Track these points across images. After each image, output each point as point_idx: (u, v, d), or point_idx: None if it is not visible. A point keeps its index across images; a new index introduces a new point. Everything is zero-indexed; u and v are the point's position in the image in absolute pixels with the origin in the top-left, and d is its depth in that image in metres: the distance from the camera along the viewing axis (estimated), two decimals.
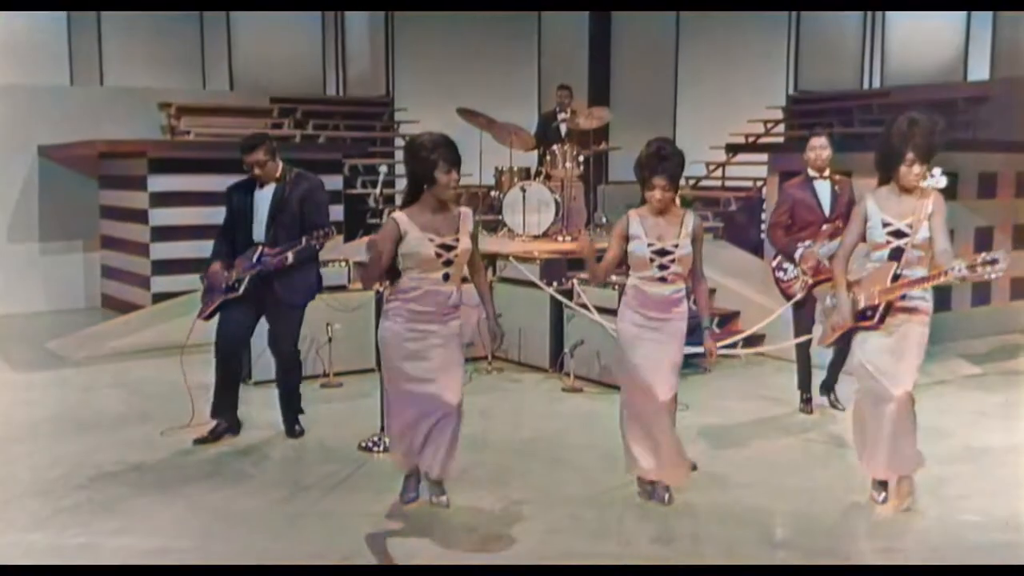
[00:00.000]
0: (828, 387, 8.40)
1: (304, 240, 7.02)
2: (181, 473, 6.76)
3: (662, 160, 5.95)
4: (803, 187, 8.11)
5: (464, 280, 6.07)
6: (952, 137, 12.15)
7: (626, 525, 5.93)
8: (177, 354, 7.71)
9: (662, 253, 5.99)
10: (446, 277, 5.82)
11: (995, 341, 11.19)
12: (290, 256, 7.05)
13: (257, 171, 7.20)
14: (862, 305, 6.07)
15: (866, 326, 6.05)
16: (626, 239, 6.06)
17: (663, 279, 6.00)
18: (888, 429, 5.98)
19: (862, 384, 6.14)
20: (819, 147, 8.03)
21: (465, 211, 5.99)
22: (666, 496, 6.20)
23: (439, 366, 5.86)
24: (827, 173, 8.06)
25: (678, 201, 6.31)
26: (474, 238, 5.98)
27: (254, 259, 7.12)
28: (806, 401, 8.35)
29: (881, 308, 5.97)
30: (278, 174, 7.27)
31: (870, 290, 6.02)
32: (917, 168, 5.89)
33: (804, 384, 8.37)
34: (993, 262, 5.52)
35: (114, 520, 5.93)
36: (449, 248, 5.80)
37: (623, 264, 6.28)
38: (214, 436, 7.38)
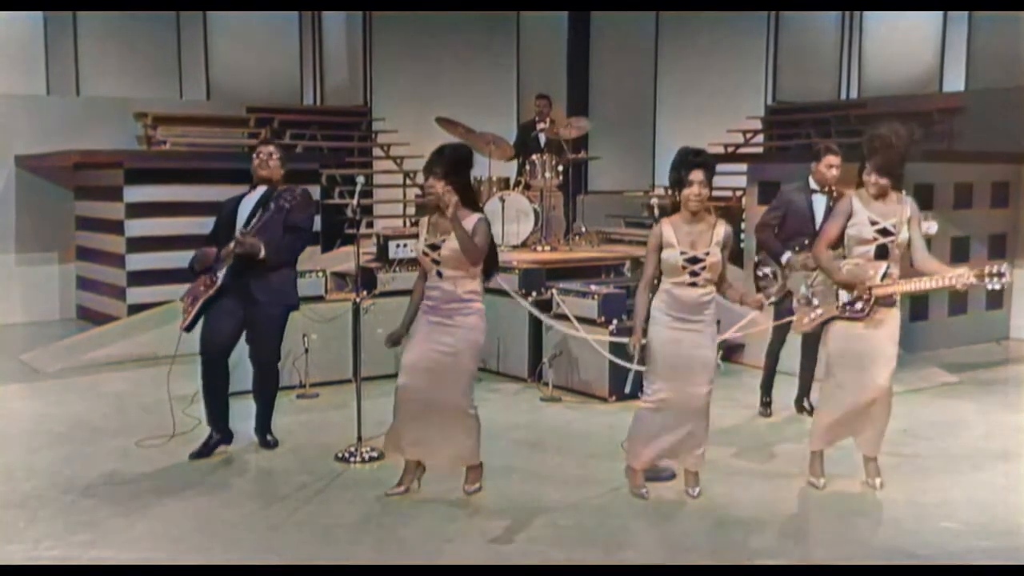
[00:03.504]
0: (801, 399, 8.40)
1: (271, 204, 7.05)
2: (156, 485, 6.70)
3: (697, 154, 6.24)
4: (802, 195, 8.08)
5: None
6: (928, 148, 12.30)
7: (606, 533, 5.91)
8: (152, 366, 7.67)
9: (694, 261, 6.17)
10: (439, 275, 6.25)
11: (971, 350, 11.26)
12: (263, 247, 7.04)
13: (264, 157, 7.32)
14: (850, 298, 6.36)
15: (855, 318, 6.36)
16: (662, 248, 6.23)
17: (694, 284, 6.19)
18: (866, 411, 6.45)
19: (838, 372, 6.44)
20: (836, 166, 7.97)
21: (471, 217, 6.26)
22: (696, 491, 6.47)
23: (450, 365, 6.23)
24: (826, 188, 8.02)
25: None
26: (473, 233, 6.18)
27: (231, 245, 7.07)
28: (766, 404, 8.44)
29: (872, 302, 6.29)
30: (275, 180, 7.32)
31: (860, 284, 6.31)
32: (874, 178, 6.29)
33: (767, 387, 8.45)
34: (1000, 275, 5.91)
35: (89, 532, 5.88)
36: (435, 248, 6.23)
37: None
38: (208, 449, 7.31)
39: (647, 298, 6.42)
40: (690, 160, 6.21)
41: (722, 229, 6.24)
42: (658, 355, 6.26)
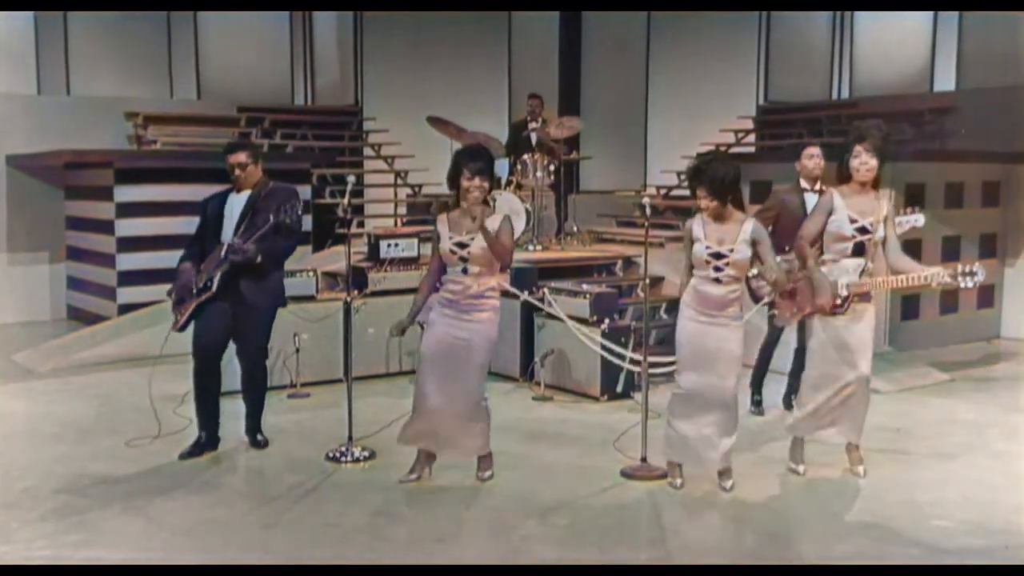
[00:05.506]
0: (789, 397, 8.42)
1: (271, 217, 6.94)
2: (148, 485, 6.68)
3: (698, 173, 6.41)
4: (794, 196, 8.12)
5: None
6: (919, 147, 12.32)
7: (599, 532, 5.91)
8: (144, 365, 7.65)
9: (718, 256, 6.37)
10: (464, 271, 6.49)
11: (963, 349, 11.29)
12: (259, 254, 7.00)
13: (238, 172, 7.19)
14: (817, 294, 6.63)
15: (834, 313, 6.61)
16: (693, 241, 6.45)
17: (717, 280, 6.38)
18: (846, 399, 6.67)
19: (820, 363, 6.68)
20: (817, 155, 8.11)
21: (495, 216, 6.60)
22: (729, 484, 6.57)
23: (464, 359, 6.50)
24: (819, 186, 8.07)
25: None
26: (499, 234, 6.49)
27: (223, 254, 7.06)
28: (757, 403, 8.43)
29: (850, 298, 6.54)
30: (256, 181, 7.25)
31: (838, 280, 6.55)
32: (864, 157, 6.48)
33: (757, 384, 8.47)
34: (972, 273, 6.18)
35: (81, 532, 5.86)
36: (463, 246, 6.45)
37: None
38: (198, 450, 7.28)
39: (687, 281, 6.62)
40: (692, 177, 6.43)
41: (749, 226, 6.41)
42: (684, 346, 6.49)
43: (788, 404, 8.42)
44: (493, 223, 6.50)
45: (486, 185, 6.51)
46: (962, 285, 6.22)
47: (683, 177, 6.65)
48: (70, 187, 13.36)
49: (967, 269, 6.19)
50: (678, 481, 6.60)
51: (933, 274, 6.28)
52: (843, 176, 6.63)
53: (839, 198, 6.56)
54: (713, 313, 6.40)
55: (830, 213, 6.57)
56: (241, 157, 7.20)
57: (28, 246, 13.37)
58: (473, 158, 6.52)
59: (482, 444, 6.75)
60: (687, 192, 14.44)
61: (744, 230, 6.37)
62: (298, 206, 7.09)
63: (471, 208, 6.47)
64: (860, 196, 6.53)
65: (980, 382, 9.90)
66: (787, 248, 7.89)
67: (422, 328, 9.52)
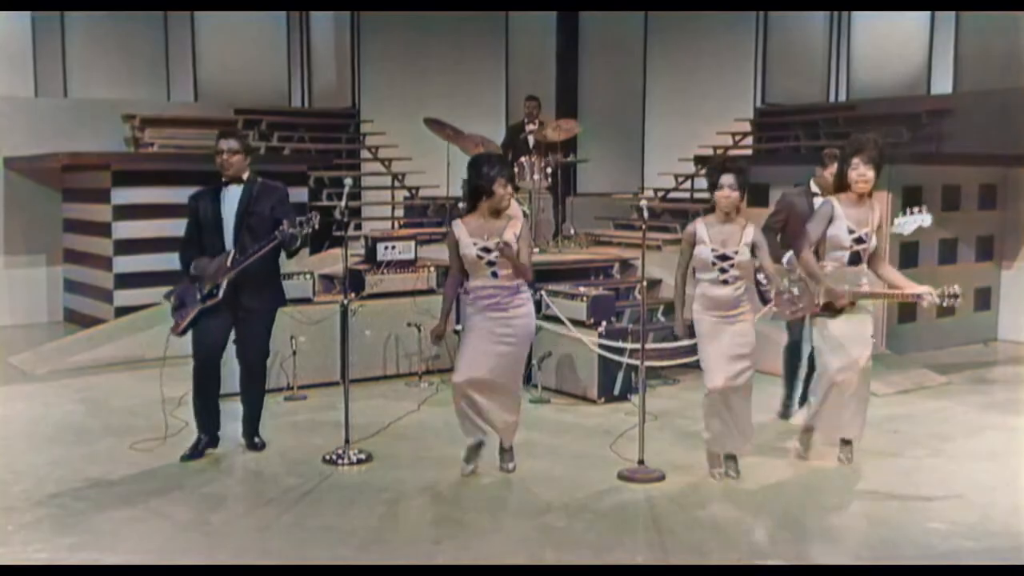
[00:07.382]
0: (803, 401, 8.40)
1: (278, 231, 6.96)
2: (144, 487, 6.68)
3: (723, 165, 6.78)
4: (803, 199, 8.08)
5: None
6: (916, 150, 12.32)
7: (596, 534, 5.90)
8: (140, 368, 7.65)
9: (723, 258, 6.60)
10: (494, 275, 6.64)
11: (959, 351, 11.29)
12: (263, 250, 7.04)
13: (225, 156, 7.16)
14: (826, 299, 6.85)
15: (831, 315, 6.88)
16: (694, 244, 6.65)
17: (725, 281, 6.61)
18: (848, 396, 6.86)
19: (826, 361, 6.89)
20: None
21: (516, 218, 6.82)
22: (734, 471, 6.83)
23: (510, 356, 6.73)
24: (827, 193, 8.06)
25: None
26: (521, 238, 6.68)
27: (228, 262, 7.05)
28: (788, 408, 8.35)
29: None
30: (245, 176, 7.23)
31: (839, 286, 6.76)
32: (862, 169, 6.70)
33: (792, 387, 8.39)
34: (955, 296, 6.64)
35: (77, 535, 5.85)
36: (489, 250, 6.59)
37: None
38: (198, 452, 7.28)
39: (683, 285, 6.88)
40: (721, 169, 6.66)
41: (751, 230, 6.63)
42: (706, 347, 6.68)
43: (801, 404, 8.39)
44: (514, 228, 6.67)
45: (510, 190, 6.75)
46: (944, 304, 6.65)
47: (702, 170, 6.78)
48: (67, 189, 13.35)
49: (952, 291, 6.61)
50: (717, 472, 6.82)
51: (924, 292, 6.68)
52: (840, 186, 6.85)
53: (839, 207, 6.77)
54: (726, 313, 6.62)
55: (830, 221, 6.77)
56: (233, 143, 7.22)
57: (25, 248, 13.35)
58: (504, 164, 6.75)
59: (515, 430, 6.99)
60: (684, 195, 14.52)
61: (746, 233, 6.62)
62: (278, 194, 7.27)
63: (495, 214, 6.66)
64: (857, 207, 6.79)
65: (977, 384, 9.91)
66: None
67: (419, 330, 9.53)
